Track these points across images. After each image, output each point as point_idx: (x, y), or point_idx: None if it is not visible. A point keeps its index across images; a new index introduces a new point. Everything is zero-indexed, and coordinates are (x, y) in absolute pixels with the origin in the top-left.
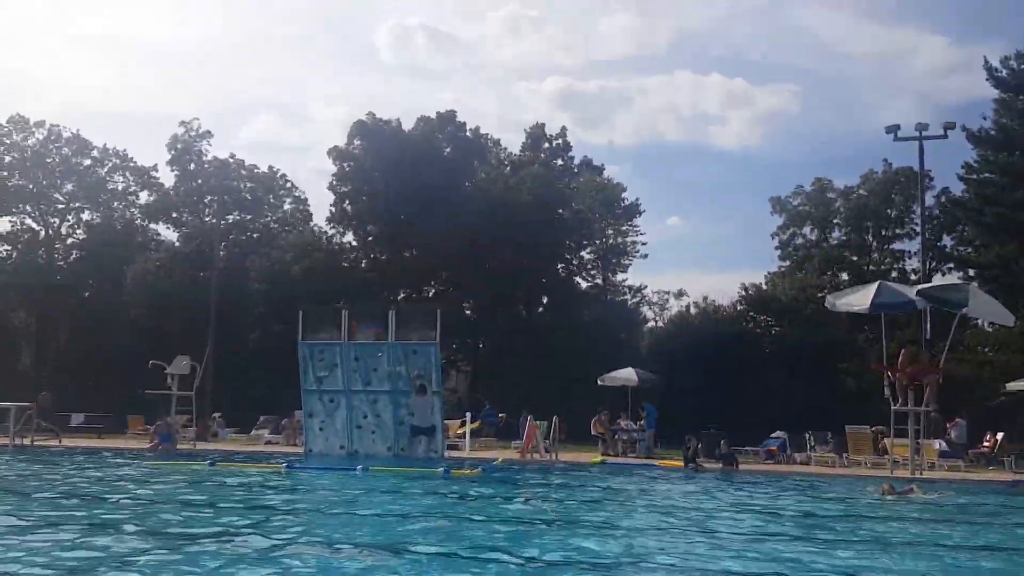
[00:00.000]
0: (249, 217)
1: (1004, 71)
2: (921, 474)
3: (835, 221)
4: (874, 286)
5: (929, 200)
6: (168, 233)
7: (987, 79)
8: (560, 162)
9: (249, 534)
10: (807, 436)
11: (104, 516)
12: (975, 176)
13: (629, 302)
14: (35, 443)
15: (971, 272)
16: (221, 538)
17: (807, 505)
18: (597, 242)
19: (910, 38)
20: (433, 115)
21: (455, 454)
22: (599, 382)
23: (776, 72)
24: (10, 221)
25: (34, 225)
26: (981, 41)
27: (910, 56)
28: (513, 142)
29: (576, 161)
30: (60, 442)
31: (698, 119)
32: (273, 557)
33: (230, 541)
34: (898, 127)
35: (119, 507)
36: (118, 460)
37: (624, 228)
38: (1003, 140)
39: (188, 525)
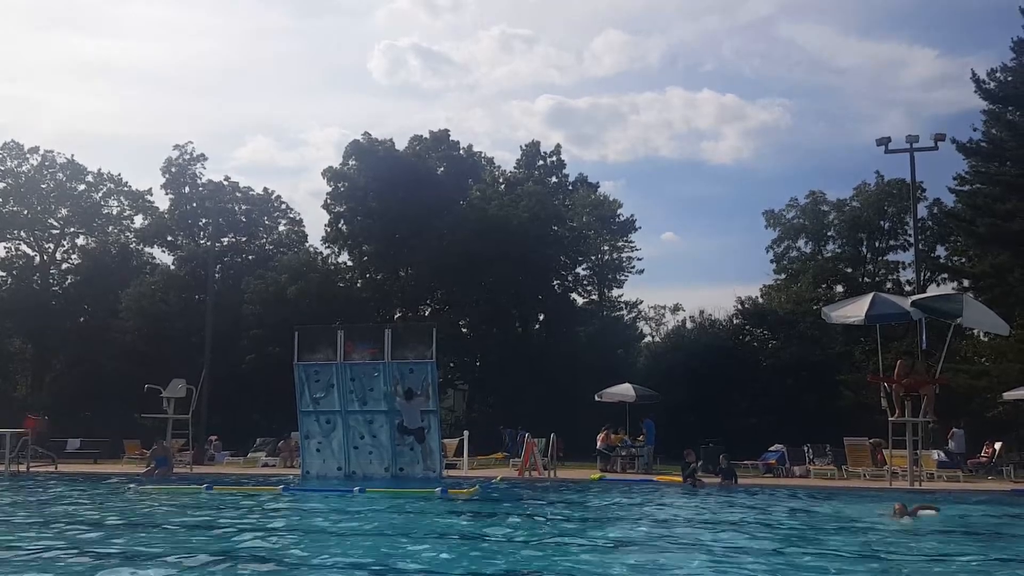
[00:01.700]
0: (244, 239)
1: (991, 83)
2: (920, 484)
3: (829, 234)
4: (868, 297)
5: (922, 211)
6: (163, 256)
7: (975, 91)
8: (555, 179)
9: (246, 558)
10: (806, 449)
11: (101, 542)
12: (967, 187)
13: (625, 318)
14: (31, 469)
15: (965, 282)
16: (219, 563)
17: (808, 519)
18: (593, 258)
19: (899, 51)
20: (427, 134)
21: (453, 473)
22: (596, 398)
23: (767, 87)
24: (4, 247)
25: (29, 251)
26: (969, 53)
27: (900, 68)
28: (507, 160)
29: (571, 178)
30: (56, 468)
31: (691, 135)
32: None
33: (228, 564)
34: (889, 139)
35: (114, 533)
36: (114, 485)
37: (620, 244)
38: (993, 151)
39: (184, 550)
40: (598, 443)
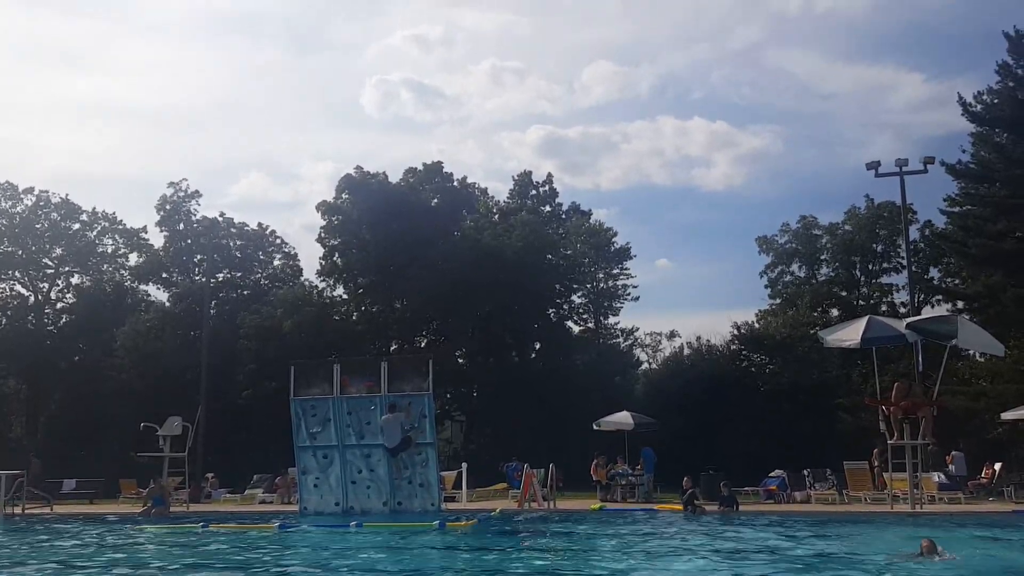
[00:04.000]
0: (239, 274)
1: (978, 106)
2: (921, 508)
3: (822, 257)
4: (864, 320)
5: (913, 233)
6: (158, 294)
7: (962, 114)
8: (548, 208)
9: None
10: (806, 474)
11: None
12: (957, 208)
13: (622, 345)
14: (26, 511)
15: (959, 303)
16: None
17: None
18: (588, 286)
19: (887, 75)
20: (420, 166)
21: (452, 506)
22: (595, 427)
23: (757, 113)
24: None
25: (23, 291)
26: (956, 76)
27: (888, 93)
28: (500, 190)
29: (564, 207)
30: (51, 509)
31: (683, 162)
32: None
33: None
34: (878, 163)
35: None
36: (110, 525)
37: (615, 271)
38: (982, 172)
39: None
40: (592, 476)
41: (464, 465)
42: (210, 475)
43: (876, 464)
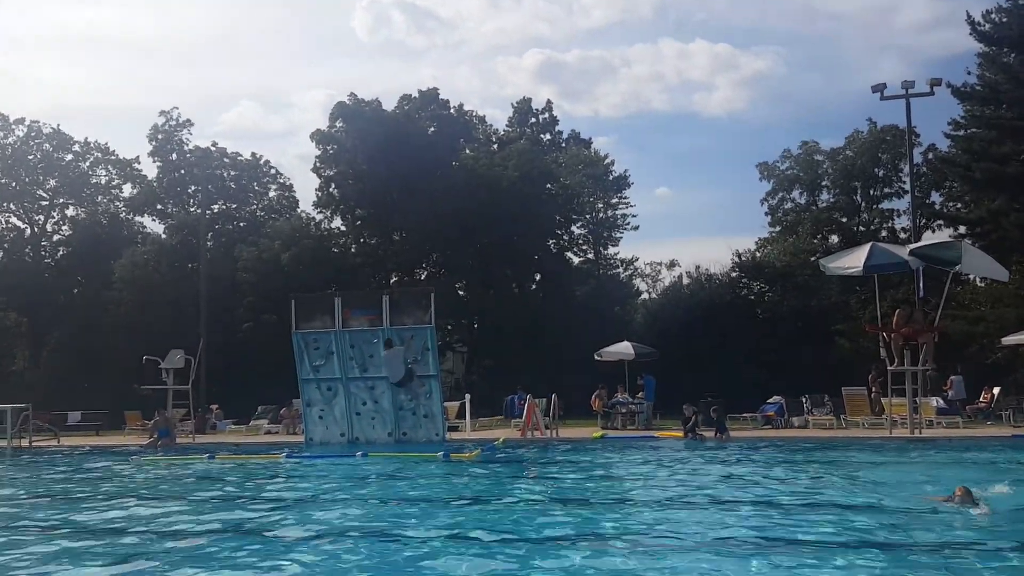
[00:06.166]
0: (235, 206)
1: (986, 25)
2: (920, 432)
3: (823, 184)
4: (866, 247)
5: (916, 157)
6: (154, 225)
7: (970, 33)
8: (547, 136)
9: (254, 526)
10: (804, 400)
11: (108, 515)
12: (962, 132)
13: (621, 275)
14: (33, 444)
15: (962, 229)
16: (225, 533)
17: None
18: (587, 216)
19: None
20: (415, 93)
21: (456, 436)
22: (596, 357)
23: (761, 35)
24: None
25: (19, 223)
26: None
27: (893, 12)
28: (498, 118)
29: (564, 135)
30: (58, 442)
31: (683, 87)
32: (277, 548)
33: (236, 534)
34: (884, 86)
35: (122, 506)
36: (117, 457)
37: (614, 201)
38: (988, 95)
39: (192, 521)
40: (592, 406)
41: (467, 396)
42: (214, 406)
43: (874, 389)
